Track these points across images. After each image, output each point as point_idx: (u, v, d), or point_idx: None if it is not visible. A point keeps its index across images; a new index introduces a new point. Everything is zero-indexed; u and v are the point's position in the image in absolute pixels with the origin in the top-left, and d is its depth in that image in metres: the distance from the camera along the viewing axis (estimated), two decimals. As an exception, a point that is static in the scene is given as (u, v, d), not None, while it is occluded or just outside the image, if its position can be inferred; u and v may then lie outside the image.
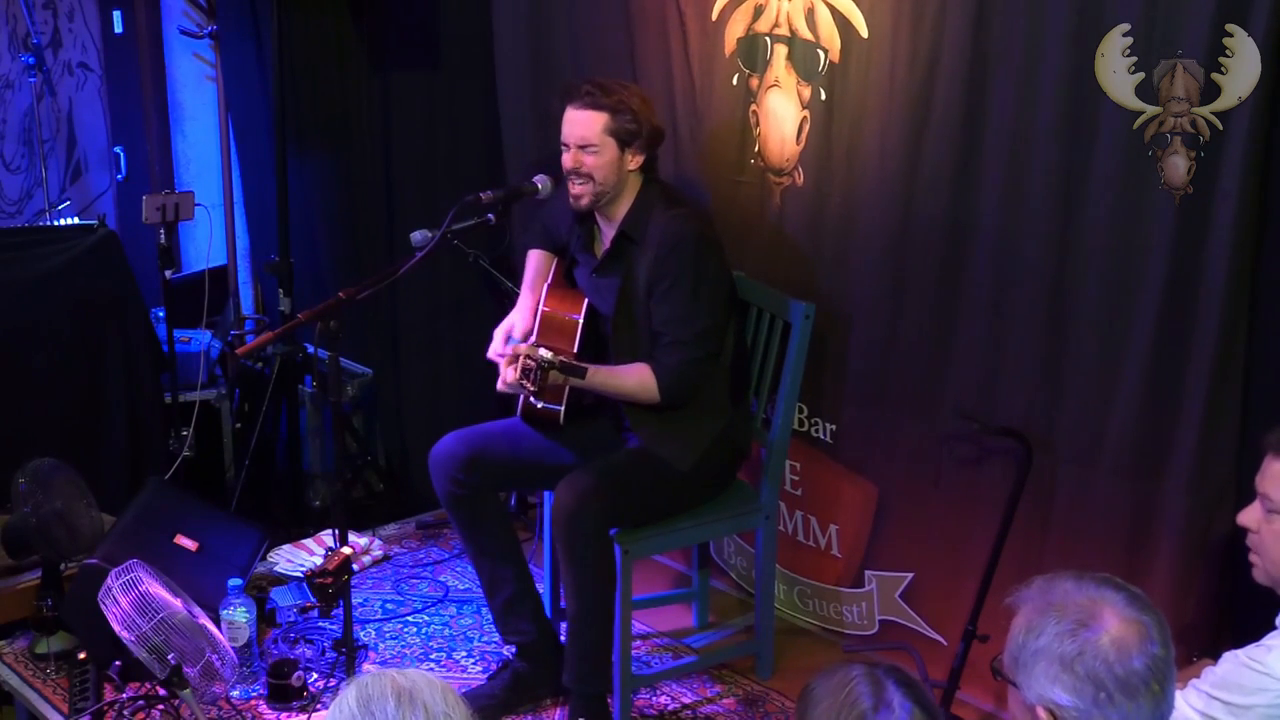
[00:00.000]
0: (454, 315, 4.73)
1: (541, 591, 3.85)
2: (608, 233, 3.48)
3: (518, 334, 3.51)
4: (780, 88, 3.65)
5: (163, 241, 4.43)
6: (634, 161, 3.38)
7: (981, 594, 3.24)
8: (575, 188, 3.40)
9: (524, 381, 3.09)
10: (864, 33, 3.45)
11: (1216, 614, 3.05)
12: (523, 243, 3.78)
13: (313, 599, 3.42)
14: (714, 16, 3.76)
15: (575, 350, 3.39)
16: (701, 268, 3.36)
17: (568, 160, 3.39)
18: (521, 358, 3.10)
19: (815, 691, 1.75)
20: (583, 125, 3.36)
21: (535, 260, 3.67)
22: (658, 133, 3.43)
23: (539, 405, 3.26)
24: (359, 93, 4.91)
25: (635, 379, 3.34)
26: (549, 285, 3.54)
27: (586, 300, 3.49)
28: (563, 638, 3.54)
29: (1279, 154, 2.81)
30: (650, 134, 3.39)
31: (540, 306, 3.47)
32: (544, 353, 3.07)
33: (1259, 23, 2.73)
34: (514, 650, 3.60)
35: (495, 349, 3.49)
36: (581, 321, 3.45)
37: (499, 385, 3.31)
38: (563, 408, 3.37)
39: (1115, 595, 1.84)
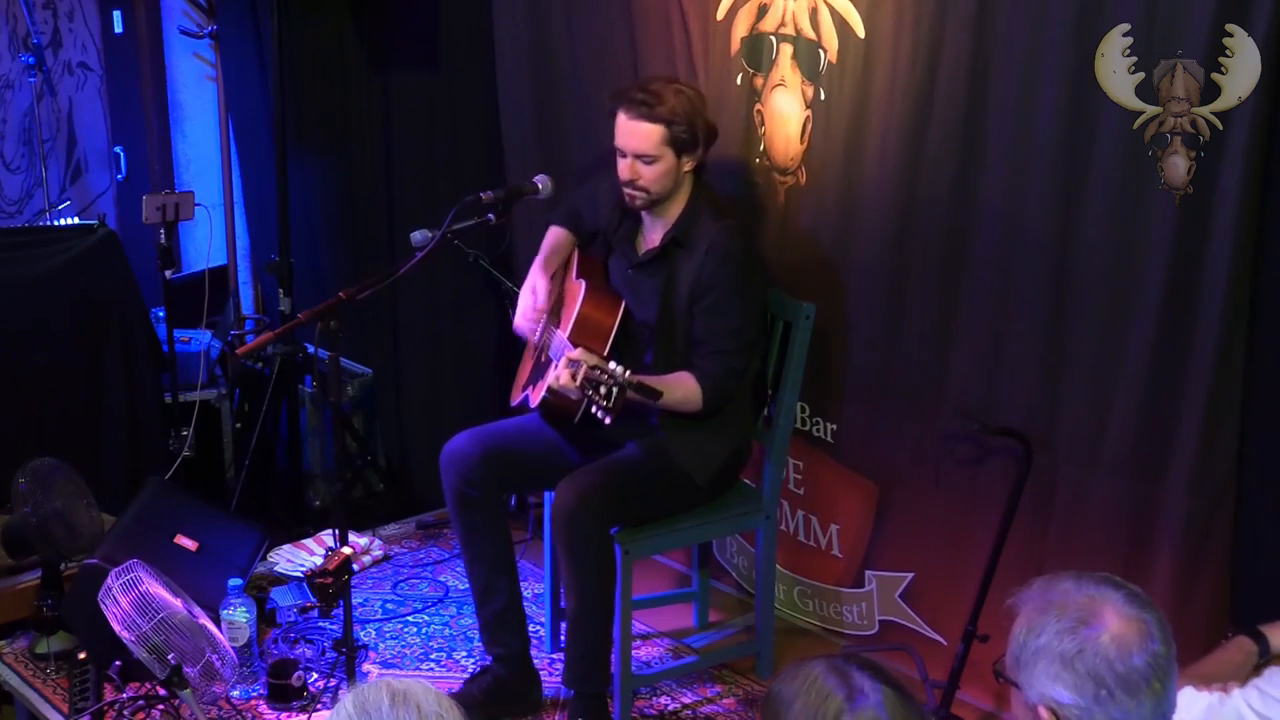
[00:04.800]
0: (454, 315, 4.73)
1: (542, 590, 3.87)
2: (653, 233, 3.46)
3: (541, 298, 3.48)
4: (786, 87, 3.65)
5: (163, 241, 4.43)
6: (689, 164, 3.37)
7: (981, 594, 3.24)
8: (630, 191, 3.38)
9: (592, 394, 3.03)
10: (860, 33, 3.45)
11: (1216, 614, 3.05)
12: (546, 218, 3.75)
13: (313, 599, 3.43)
14: (719, 16, 3.76)
15: (606, 352, 3.38)
16: (747, 281, 3.36)
17: (625, 170, 3.35)
18: (585, 367, 3.03)
19: (783, 694, 1.72)
20: (640, 137, 3.32)
21: (555, 237, 3.63)
22: (713, 132, 3.40)
23: (596, 413, 3.12)
24: (359, 93, 4.91)
25: (683, 391, 3.32)
26: (587, 285, 3.50)
27: (623, 304, 3.47)
28: (563, 637, 3.54)
29: (1279, 154, 2.82)
30: (707, 136, 3.37)
31: (577, 306, 3.45)
32: (615, 367, 3.01)
33: (1259, 23, 2.74)
34: (492, 661, 3.56)
35: (528, 310, 3.47)
36: (617, 326, 3.43)
37: (552, 382, 3.23)
38: (583, 408, 3.34)
39: (1115, 593, 1.84)
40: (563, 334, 3.42)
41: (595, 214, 3.59)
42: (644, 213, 3.46)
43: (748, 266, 3.37)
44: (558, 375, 3.19)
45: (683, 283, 3.36)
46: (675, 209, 3.41)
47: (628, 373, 3.02)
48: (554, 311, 3.56)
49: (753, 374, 3.48)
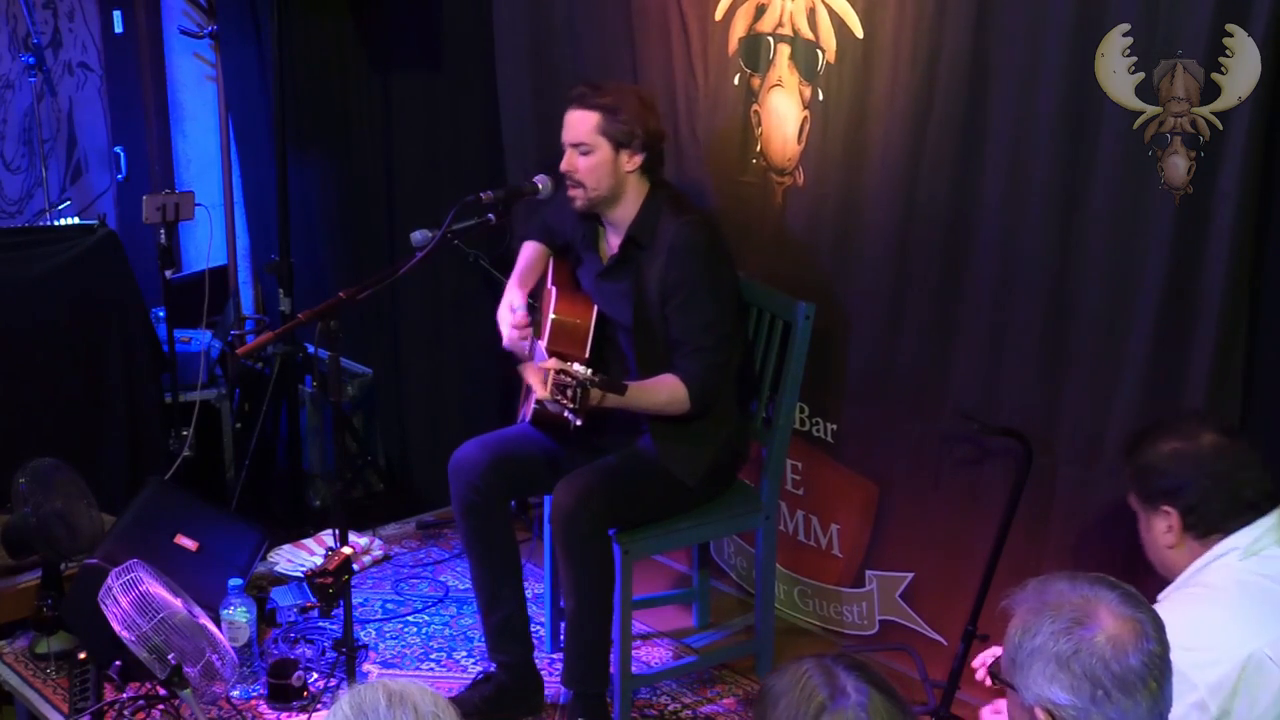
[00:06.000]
0: (454, 315, 4.73)
1: (542, 590, 3.86)
2: (613, 237, 3.47)
3: (519, 314, 3.47)
4: (783, 87, 3.65)
5: (163, 241, 4.43)
6: (630, 163, 3.37)
7: (981, 594, 3.24)
8: (570, 190, 3.40)
9: (560, 399, 3.04)
10: (859, 33, 3.45)
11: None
12: (520, 233, 3.77)
13: (313, 599, 3.42)
14: (718, 16, 3.76)
15: (587, 355, 3.38)
16: (715, 274, 3.36)
17: (564, 163, 3.39)
18: (553, 373, 3.04)
19: (773, 690, 1.76)
20: (576, 125, 3.36)
21: (530, 251, 3.65)
22: (656, 135, 3.41)
23: (568, 417, 3.15)
24: (359, 93, 4.91)
25: (667, 392, 3.32)
26: (557, 290, 3.51)
27: (596, 306, 3.48)
28: (562, 637, 3.54)
29: (1279, 154, 2.81)
30: (648, 136, 3.37)
31: (550, 312, 3.46)
32: (579, 368, 3.03)
33: (1259, 23, 2.73)
34: (496, 668, 3.56)
35: (509, 329, 3.47)
36: (592, 327, 3.44)
37: (538, 393, 3.21)
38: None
39: (1109, 594, 1.85)
40: (541, 343, 3.43)
41: (563, 223, 3.60)
42: (603, 218, 3.46)
43: (713, 259, 3.36)
44: (535, 390, 3.22)
45: (651, 284, 3.36)
46: (628, 210, 3.40)
47: (589, 371, 3.03)
48: (535, 321, 3.57)
49: (734, 364, 3.46)
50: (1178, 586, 2.52)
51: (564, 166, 3.39)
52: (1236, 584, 2.44)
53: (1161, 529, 2.56)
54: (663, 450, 3.39)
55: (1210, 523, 2.50)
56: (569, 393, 3.02)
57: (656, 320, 3.37)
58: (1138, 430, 2.76)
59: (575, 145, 3.36)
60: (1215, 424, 2.62)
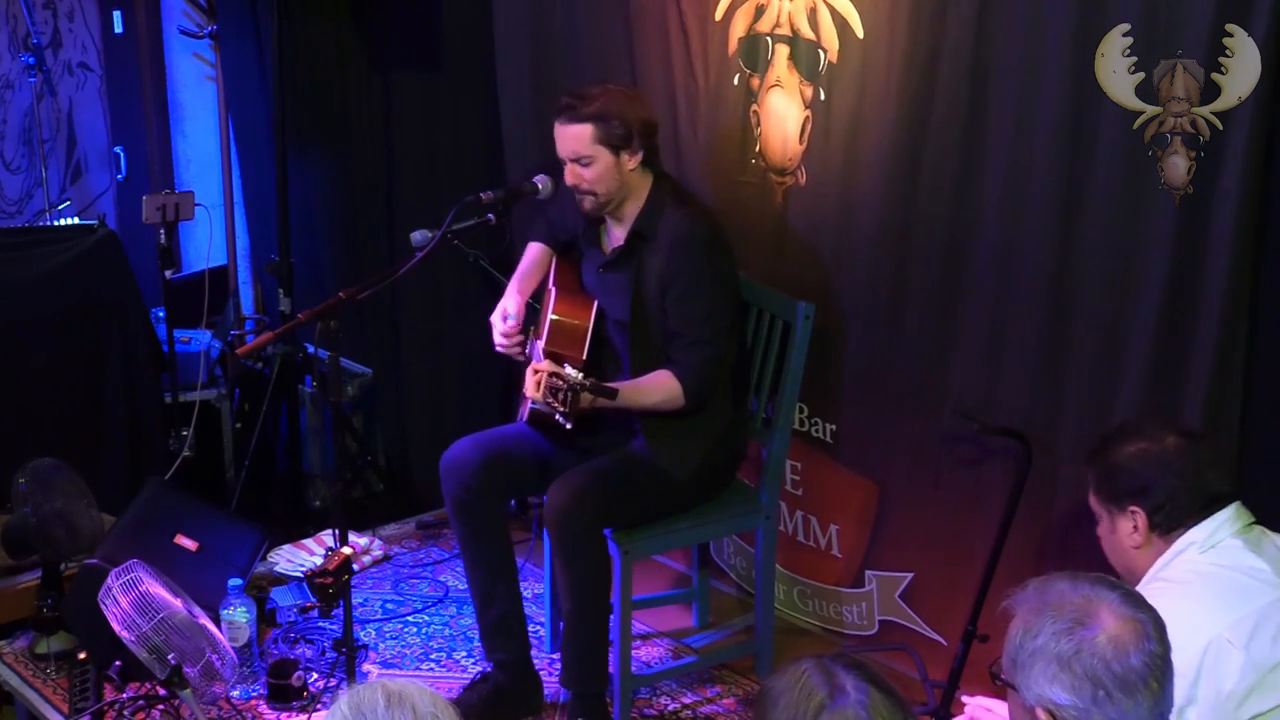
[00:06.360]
0: (454, 315, 4.73)
1: (541, 589, 3.86)
2: (617, 231, 3.47)
3: (513, 312, 3.49)
4: (782, 88, 3.65)
5: (163, 241, 4.43)
6: (632, 162, 3.36)
7: (981, 594, 3.24)
8: (580, 198, 3.40)
9: (552, 401, 3.06)
10: (860, 33, 3.45)
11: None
12: (525, 234, 3.77)
13: (313, 599, 3.43)
14: (717, 17, 3.76)
15: (584, 356, 3.39)
16: (716, 266, 3.36)
17: (568, 176, 3.38)
18: (546, 375, 3.06)
19: (772, 690, 1.77)
20: (571, 140, 3.35)
21: (533, 253, 3.65)
22: (649, 126, 3.39)
23: (559, 420, 3.19)
24: (359, 93, 4.91)
25: (661, 391, 3.32)
26: (557, 289, 3.51)
27: (595, 304, 3.48)
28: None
29: (1279, 154, 2.81)
30: (642, 130, 3.36)
31: (549, 312, 3.46)
32: (571, 372, 3.04)
33: (1259, 23, 2.74)
34: (492, 667, 3.56)
35: (499, 336, 3.48)
36: (591, 327, 3.44)
37: (530, 395, 3.24)
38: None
39: (1110, 594, 1.85)
40: (540, 343, 3.43)
41: (567, 221, 3.60)
42: (606, 216, 3.46)
43: (714, 252, 3.37)
44: (527, 390, 3.23)
45: (651, 275, 3.36)
46: (634, 207, 3.41)
47: (580, 375, 3.04)
48: (536, 322, 3.57)
49: (730, 360, 3.46)
50: (1142, 586, 2.54)
51: (569, 180, 3.38)
52: (1198, 575, 2.48)
53: (1127, 530, 2.58)
54: (655, 448, 3.39)
55: (1176, 520, 2.54)
56: (560, 396, 3.03)
57: (654, 316, 3.37)
58: (1101, 435, 2.80)
59: (575, 159, 3.35)
60: (1177, 426, 2.68)
